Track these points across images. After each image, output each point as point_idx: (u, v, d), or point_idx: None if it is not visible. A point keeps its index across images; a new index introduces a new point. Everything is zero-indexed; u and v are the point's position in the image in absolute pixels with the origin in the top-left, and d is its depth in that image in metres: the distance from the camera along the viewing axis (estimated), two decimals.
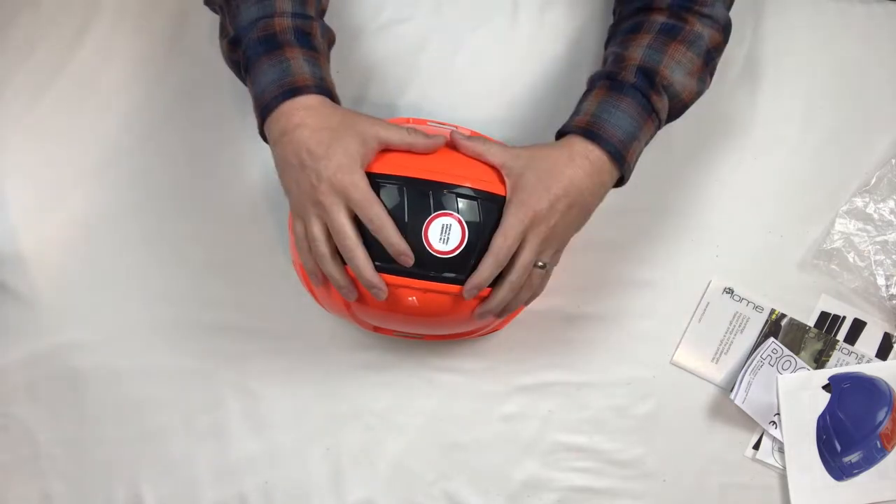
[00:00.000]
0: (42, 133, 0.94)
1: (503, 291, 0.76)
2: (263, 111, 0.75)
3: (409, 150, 0.75)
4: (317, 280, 0.78)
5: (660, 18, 0.82)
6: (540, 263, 0.77)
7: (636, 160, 0.80)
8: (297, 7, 0.77)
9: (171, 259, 0.93)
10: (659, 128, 0.82)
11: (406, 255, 0.73)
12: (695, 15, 0.81)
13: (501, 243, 0.74)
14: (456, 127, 0.85)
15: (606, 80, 0.80)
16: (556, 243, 0.77)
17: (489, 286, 0.76)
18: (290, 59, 0.75)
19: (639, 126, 0.79)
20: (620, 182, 0.81)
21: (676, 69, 0.80)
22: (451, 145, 0.78)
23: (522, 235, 0.75)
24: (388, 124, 0.76)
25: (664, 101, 0.80)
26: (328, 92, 0.75)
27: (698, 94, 0.83)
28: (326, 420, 0.92)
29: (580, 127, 0.78)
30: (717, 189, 0.96)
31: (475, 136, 0.78)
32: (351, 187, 0.72)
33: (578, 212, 0.77)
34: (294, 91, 0.73)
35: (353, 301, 0.77)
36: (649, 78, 0.79)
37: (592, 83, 0.82)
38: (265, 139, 0.77)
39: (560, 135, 0.80)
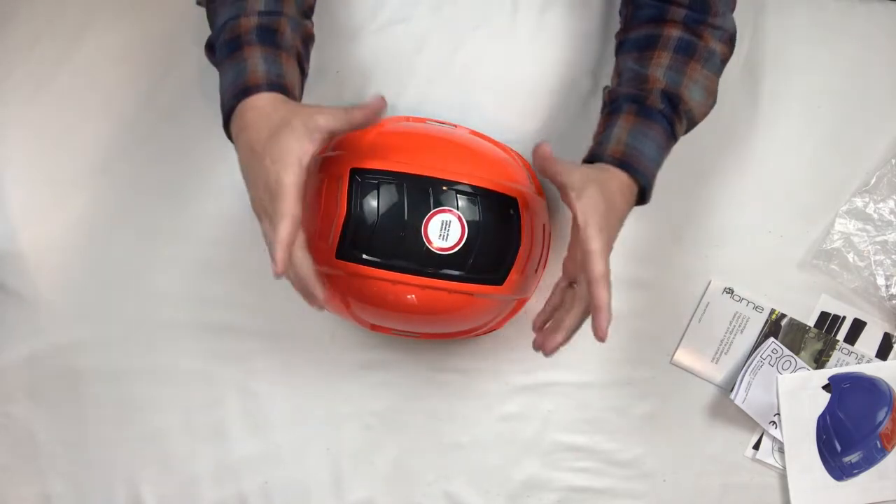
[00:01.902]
0: (42, 132, 0.94)
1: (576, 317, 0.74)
2: (224, 116, 0.74)
3: (351, 129, 0.71)
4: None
5: (675, 33, 0.81)
6: None
7: None
8: (269, 5, 0.75)
9: (172, 259, 0.93)
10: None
11: (278, 264, 0.66)
12: (708, 28, 0.81)
13: (603, 268, 0.70)
14: (455, 126, 0.85)
15: (633, 105, 0.79)
16: None
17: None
18: (247, 59, 0.73)
19: (663, 154, 0.79)
20: (639, 203, 0.79)
21: (694, 89, 0.80)
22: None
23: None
24: (329, 109, 0.71)
25: (683, 125, 0.81)
26: (282, 89, 0.73)
27: (707, 112, 0.84)
28: (326, 420, 0.92)
29: (616, 158, 0.76)
30: (718, 189, 0.96)
31: (550, 158, 0.73)
32: (275, 184, 0.67)
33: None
34: (245, 91, 0.72)
35: (315, 305, 0.73)
36: (673, 104, 0.79)
37: (616, 104, 0.80)
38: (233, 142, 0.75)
39: (593, 159, 0.78)
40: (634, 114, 0.78)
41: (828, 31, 0.98)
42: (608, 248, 0.71)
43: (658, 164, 0.78)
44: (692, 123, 0.82)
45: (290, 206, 0.66)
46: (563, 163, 0.72)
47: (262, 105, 0.71)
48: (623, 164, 0.75)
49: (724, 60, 0.84)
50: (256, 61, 0.73)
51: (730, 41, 0.84)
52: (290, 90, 0.74)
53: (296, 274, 0.70)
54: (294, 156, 0.68)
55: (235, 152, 0.74)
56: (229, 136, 0.75)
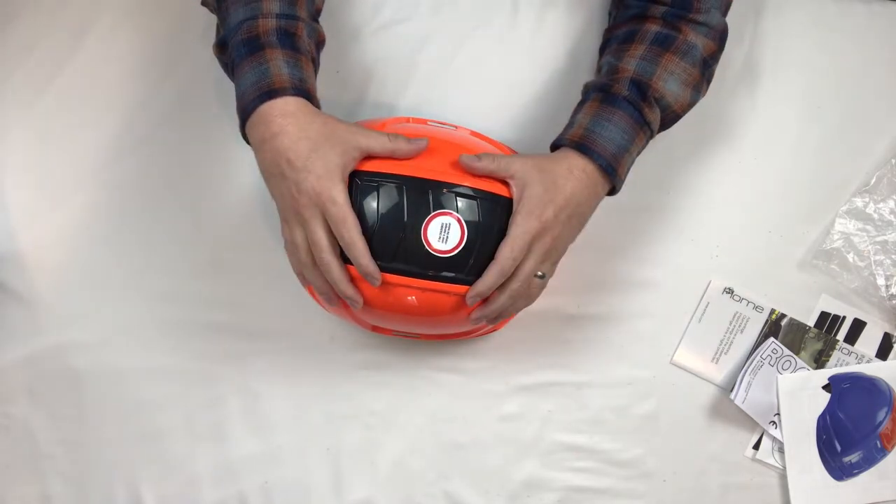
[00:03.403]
0: (42, 133, 0.94)
1: (503, 298, 0.77)
2: (242, 114, 0.75)
3: (391, 157, 0.75)
4: (303, 281, 0.79)
5: (653, 27, 0.82)
6: (539, 273, 0.77)
7: (627, 171, 0.82)
8: (284, 8, 0.76)
9: (171, 259, 0.93)
10: (651, 138, 0.83)
11: (373, 278, 0.74)
12: (689, 23, 0.82)
13: (508, 254, 0.75)
14: (456, 127, 0.85)
15: (600, 93, 0.81)
16: (556, 254, 0.78)
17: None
18: (270, 61, 0.74)
19: (630, 139, 0.80)
20: (612, 192, 0.82)
21: (670, 80, 0.81)
22: (455, 162, 0.77)
23: (528, 246, 0.75)
24: (369, 131, 0.75)
25: (656, 113, 0.81)
26: (306, 94, 0.75)
27: (691, 104, 0.84)
28: (326, 420, 0.92)
29: (574, 141, 0.79)
30: (717, 189, 0.96)
31: (484, 154, 0.77)
32: (328, 202, 0.72)
33: (577, 222, 0.79)
34: (271, 93, 0.73)
35: (332, 307, 0.78)
36: (642, 91, 0.80)
37: (587, 93, 0.83)
38: (247, 141, 0.77)
39: (555, 146, 0.81)
40: (599, 101, 0.80)
41: (828, 32, 0.98)
42: (534, 231, 0.75)
43: (623, 147, 0.79)
44: (671, 113, 0.83)
45: (352, 216, 0.72)
46: (499, 159, 0.76)
47: (293, 112, 0.73)
48: (579, 146, 0.78)
49: (710, 56, 0.84)
50: (279, 64, 0.74)
51: (718, 39, 0.84)
52: (312, 95, 0.76)
53: (332, 279, 0.75)
54: (340, 172, 0.73)
55: (254, 151, 0.75)
56: (244, 134, 0.76)
